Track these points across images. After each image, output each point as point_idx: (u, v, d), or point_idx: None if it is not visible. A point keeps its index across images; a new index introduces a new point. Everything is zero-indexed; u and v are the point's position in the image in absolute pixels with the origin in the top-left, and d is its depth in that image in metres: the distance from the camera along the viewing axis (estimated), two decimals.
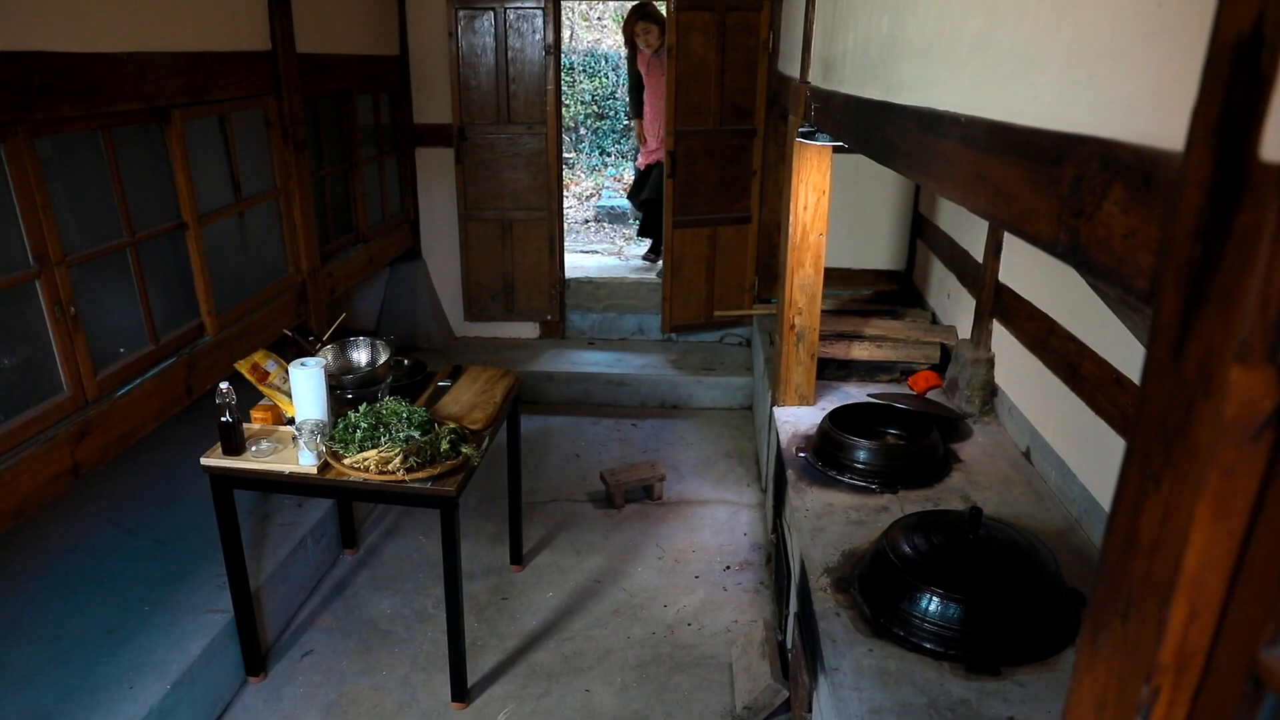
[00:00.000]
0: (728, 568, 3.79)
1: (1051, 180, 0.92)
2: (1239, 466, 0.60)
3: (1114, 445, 2.50)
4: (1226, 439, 0.59)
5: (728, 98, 5.31)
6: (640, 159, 6.39)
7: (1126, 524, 0.71)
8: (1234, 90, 0.59)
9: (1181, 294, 0.64)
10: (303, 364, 2.73)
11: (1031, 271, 3.20)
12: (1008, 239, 3.44)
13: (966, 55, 1.31)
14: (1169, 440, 0.65)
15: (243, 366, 2.99)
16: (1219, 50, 0.61)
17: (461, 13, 5.34)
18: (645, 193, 6.35)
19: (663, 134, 5.84)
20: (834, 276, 4.98)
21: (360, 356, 3.23)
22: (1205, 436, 0.61)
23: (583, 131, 12.73)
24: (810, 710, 2.48)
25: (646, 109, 6.07)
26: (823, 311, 3.72)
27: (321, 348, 3.13)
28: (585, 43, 12.72)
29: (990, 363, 3.57)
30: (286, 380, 2.92)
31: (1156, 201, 0.70)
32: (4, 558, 3.16)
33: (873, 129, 1.96)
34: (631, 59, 6.10)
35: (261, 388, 2.99)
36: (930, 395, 3.78)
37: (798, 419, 3.62)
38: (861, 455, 3.07)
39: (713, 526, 4.12)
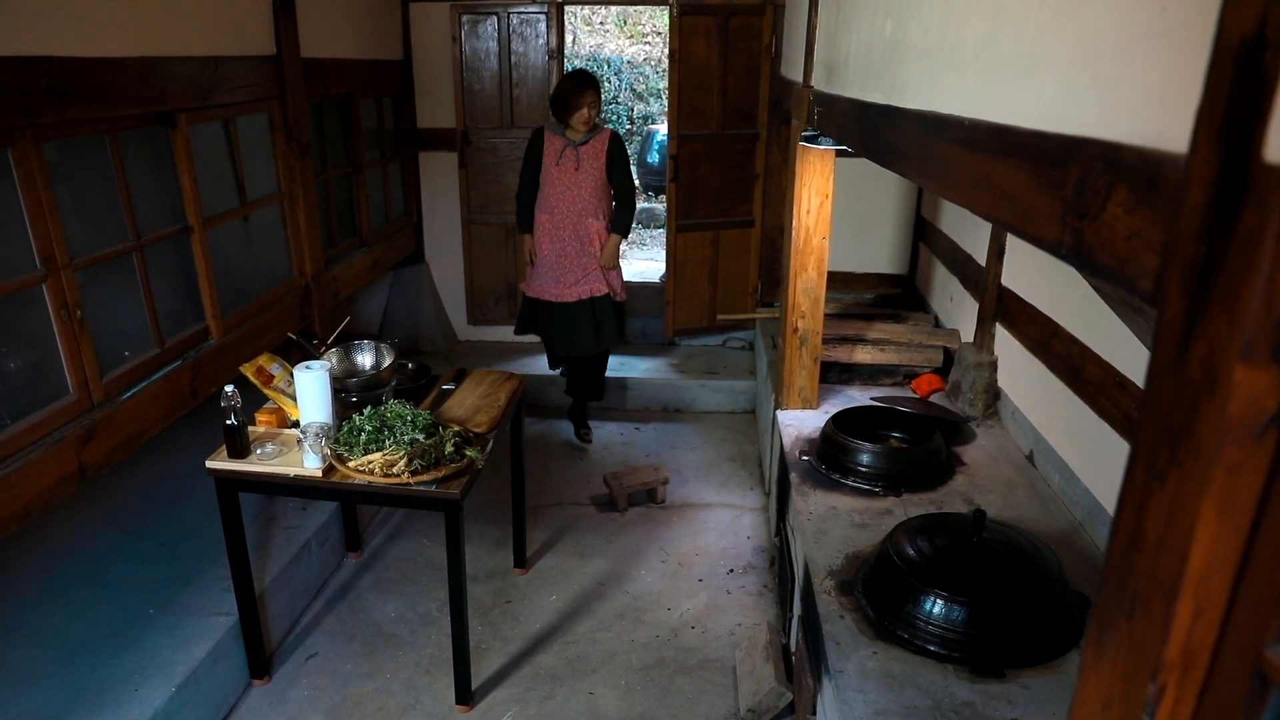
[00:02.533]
0: (731, 571, 3.79)
1: (1055, 182, 0.92)
2: (1244, 464, 0.60)
3: (1118, 448, 2.50)
4: (1231, 437, 0.60)
5: (730, 102, 5.32)
6: (531, 286, 4.59)
7: (1132, 523, 0.72)
8: (1238, 92, 0.59)
9: (1186, 294, 0.65)
10: (307, 367, 2.74)
11: (1034, 275, 3.21)
12: (1010, 242, 3.45)
13: (970, 58, 1.32)
14: (1174, 439, 0.66)
15: (248, 370, 3.00)
16: (1223, 52, 0.61)
17: (465, 17, 5.36)
18: (562, 346, 4.71)
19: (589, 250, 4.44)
20: (837, 280, 5.00)
21: (365, 360, 3.24)
22: (1210, 435, 0.61)
23: None
24: (814, 713, 2.48)
25: (543, 216, 4.47)
26: (825, 315, 3.73)
27: (326, 351, 3.14)
28: (588, 47, 12.77)
29: (993, 366, 3.57)
30: (291, 383, 2.93)
31: (1161, 203, 0.71)
32: (10, 560, 3.17)
33: (876, 132, 1.97)
34: (534, 148, 4.44)
35: (266, 391, 3.00)
36: (933, 398, 3.79)
37: (801, 422, 3.62)
38: (865, 458, 3.07)
39: (716, 530, 4.12)
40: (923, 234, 5.14)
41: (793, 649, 3.02)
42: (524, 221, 4.54)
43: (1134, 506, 0.71)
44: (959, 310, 4.18)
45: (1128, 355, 2.45)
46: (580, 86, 4.27)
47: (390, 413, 2.80)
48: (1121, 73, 0.83)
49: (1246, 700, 0.63)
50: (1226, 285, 0.60)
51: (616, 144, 4.45)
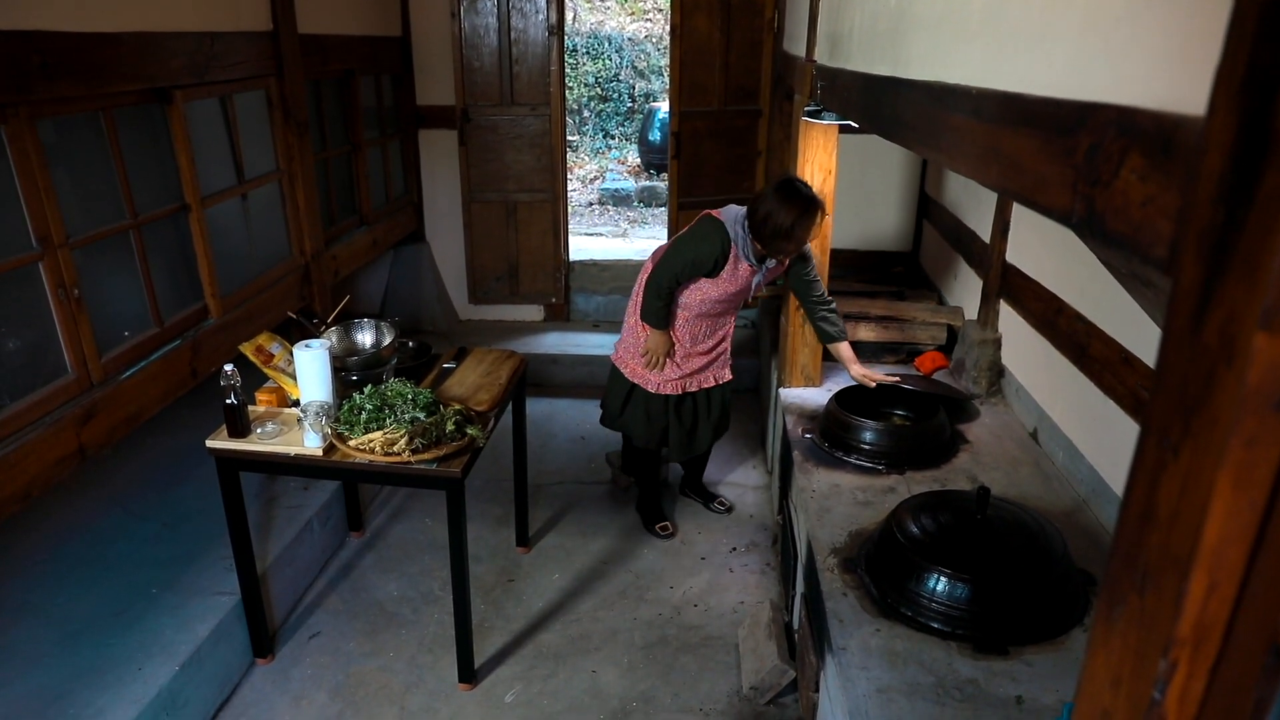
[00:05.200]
0: (734, 549, 3.79)
1: (1066, 150, 0.90)
2: (1261, 435, 0.58)
3: (1123, 425, 2.49)
4: (1248, 407, 0.58)
5: (732, 78, 5.28)
6: (661, 379, 3.61)
7: (1144, 496, 0.70)
8: (1260, 49, 0.57)
9: (1203, 261, 0.63)
10: (307, 346, 2.72)
11: (1039, 251, 3.18)
12: (1015, 218, 3.42)
13: (978, 27, 1.29)
14: (1189, 410, 0.64)
15: (247, 349, 2.98)
16: (1244, 8, 0.59)
17: None
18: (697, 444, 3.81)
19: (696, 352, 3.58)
20: (840, 258, 4.96)
21: (365, 338, 3.22)
22: (1227, 405, 0.60)
23: (586, 114, 12.69)
24: (817, 690, 2.48)
25: (683, 313, 3.49)
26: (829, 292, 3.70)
27: (326, 330, 3.12)
28: (588, 24, 12.66)
29: (997, 343, 3.55)
30: (291, 362, 2.92)
31: (1176, 167, 0.69)
32: (12, 541, 3.17)
33: (881, 105, 1.94)
34: (712, 263, 3.28)
35: (266, 370, 2.98)
36: (937, 376, 3.77)
37: (804, 400, 3.61)
38: (868, 436, 3.06)
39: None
40: (926, 211, 5.10)
41: (795, 627, 3.02)
42: (665, 318, 3.47)
43: (1146, 480, 0.70)
44: (963, 287, 4.15)
45: (1134, 331, 2.43)
46: (809, 214, 3.10)
47: (391, 391, 2.79)
48: (1135, 35, 0.80)
49: (1261, 675, 0.62)
50: (1246, 250, 0.58)
51: (803, 255, 3.40)
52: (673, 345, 3.53)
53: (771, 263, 3.34)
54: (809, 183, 3.37)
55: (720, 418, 3.79)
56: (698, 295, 3.40)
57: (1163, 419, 0.67)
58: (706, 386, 3.67)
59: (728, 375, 3.71)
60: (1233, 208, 0.60)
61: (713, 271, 3.31)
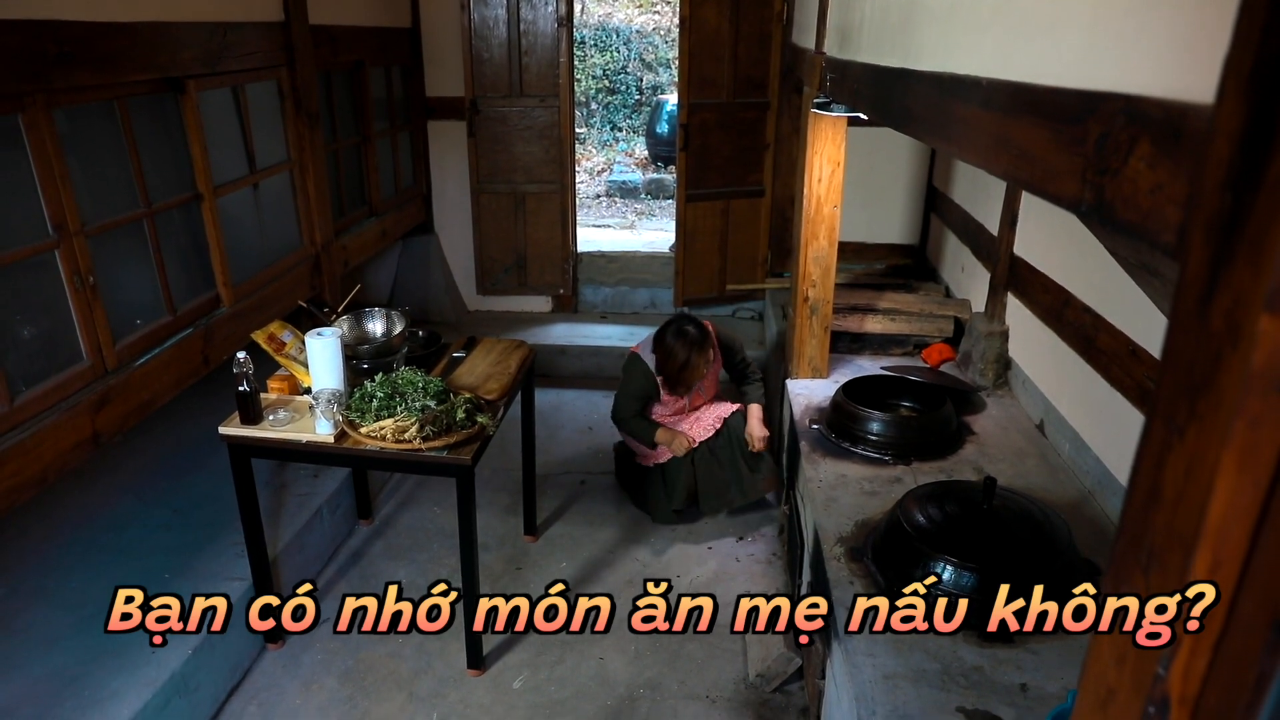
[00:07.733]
0: (740, 539, 3.81)
1: (1076, 139, 0.91)
2: (1265, 417, 0.60)
3: (1129, 417, 2.50)
4: (1253, 389, 0.59)
5: (741, 70, 5.27)
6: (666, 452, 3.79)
7: (1150, 477, 0.71)
8: (1269, 38, 0.58)
9: (1210, 246, 0.64)
10: (319, 334, 2.74)
11: (1047, 244, 3.19)
12: (1023, 211, 3.42)
13: (988, 18, 1.30)
14: (1194, 393, 0.65)
15: (259, 337, 3.01)
16: None
17: None
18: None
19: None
20: (847, 250, 4.97)
21: (376, 327, 3.25)
22: (1232, 387, 0.61)
23: (594, 106, 12.67)
24: (824, 677, 2.50)
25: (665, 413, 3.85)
26: (836, 285, 3.71)
27: (337, 319, 3.14)
28: (596, 16, 12.63)
29: (1004, 335, 3.56)
30: (303, 350, 2.94)
31: (1185, 155, 0.70)
32: (28, 525, 3.20)
33: (891, 96, 1.95)
34: (642, 384, 3.70)
35: (278, 358, 3.01)
36: (944, 368, 3.78)
37: (811, 391, 3.62)
38: (875, 427, 3.08)
39: None
40: (934, 204, 5.10)
41: None
42: (650, 428, 3.74)
43: (1152, 461, 0.71)
44: (970, 280, 4.15)
45: (1141, 323, 2.44)
46: (691, 354, 3.50)
47: (402, 379, 2.81)
48: (1145, 25, 0.82)
49: (1263, 651, 0.63)
50: (1252, 236, 0.59)
51: (727, 347, 3.77)
52: (678, 434, 3.73)
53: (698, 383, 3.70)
54: (819, 174, 3.39)
55: (750, 465, 3.70)
56: (658, 410, 3.84)
57: (1169, 401, 0.69)
58: (716, 428, 3.72)
59: (731, 406, 3.75)
60: (1240, 194, 0.61)
61: (651, 395, 3.74)
